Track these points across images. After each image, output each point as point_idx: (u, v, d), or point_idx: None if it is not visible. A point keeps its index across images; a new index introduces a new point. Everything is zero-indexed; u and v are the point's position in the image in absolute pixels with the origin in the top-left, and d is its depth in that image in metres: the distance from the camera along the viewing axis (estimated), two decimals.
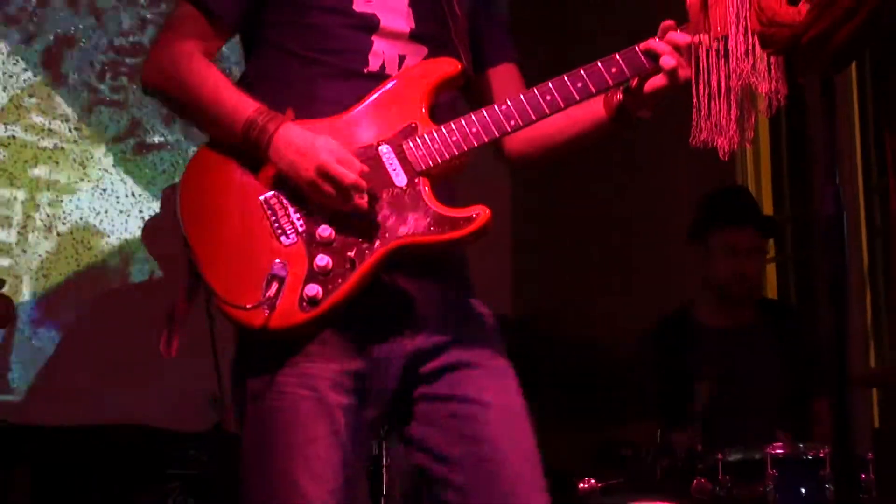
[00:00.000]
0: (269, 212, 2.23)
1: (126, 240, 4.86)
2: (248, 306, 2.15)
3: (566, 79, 2.25)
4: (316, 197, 2.19)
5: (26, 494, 3.90)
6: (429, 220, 2.22)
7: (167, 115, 4.91)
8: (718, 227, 4.27)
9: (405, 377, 2.30)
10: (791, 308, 5.18)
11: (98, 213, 4.82)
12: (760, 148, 5.89)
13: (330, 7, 2.33)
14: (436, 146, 2.25)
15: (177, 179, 4.80)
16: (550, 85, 2.25)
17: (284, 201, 2.23)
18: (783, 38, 1.89)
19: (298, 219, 2.23)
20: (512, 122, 2.26)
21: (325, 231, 2.21)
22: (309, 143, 2.18)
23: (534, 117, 2.26)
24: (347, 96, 2.31)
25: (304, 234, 2.22)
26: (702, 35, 2.08)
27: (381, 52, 2.35)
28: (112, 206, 4.84)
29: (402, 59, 2.37)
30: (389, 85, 2.32)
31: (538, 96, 2.24)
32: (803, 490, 3.48)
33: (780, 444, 3.54)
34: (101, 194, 4.84)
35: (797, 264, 5.60)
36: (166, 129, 4.97)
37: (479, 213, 2.21)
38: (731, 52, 2.01)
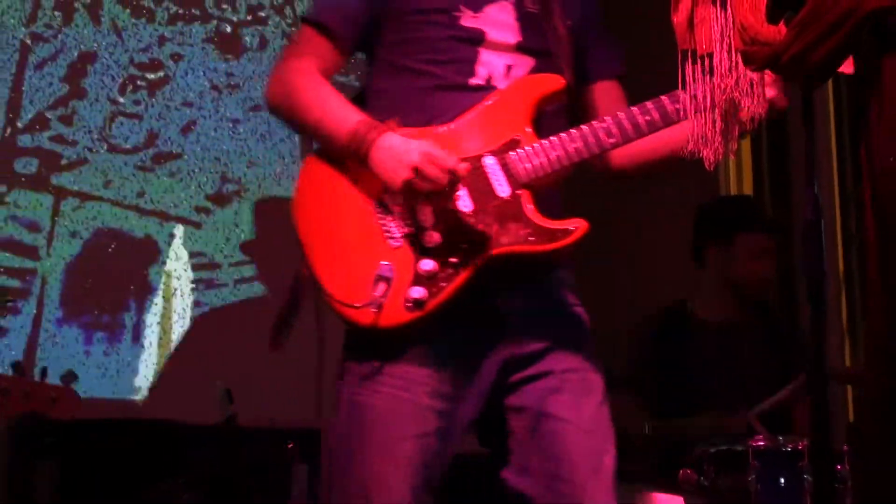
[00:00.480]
0: (378, 216, 2.25)
1: (145, 245, 4.85)
2: (357, 305, 2.17)
3: (666, 100, 2.25)
4: (412, 197, 2.20)
5: (55, 485, 3.90)
6: (529, 230, 2.22)
7: (184, 126, 4.91)
8: (746, 231, 4.27)
9: (498, 382, 2.30)
10: (775, 308, 5.18)
11: (118, 219, 4.81)
12: (742, 157, 5.90)
13: (439, 22, 2.34)
14: (538, 160, 2.25)
15: (192, 188, 4.87)
16: (650, 105, 2.26)
17: (393, 207, 2.25)
18: (764, 56, 1.88)
19: (406, 224, 2.24)
20: (612, 140, 2.26)
21: (431, 237, 2.21)
22: (404, 147, 2.18)
23: (633, 136, 2.26)
24: (454, 107, 2.32)
25: (410, 239, 2.23)
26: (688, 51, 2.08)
27: (487, 62, 2.35)
28: (131, 213, 4.83)
29: (508, 68, 2.37)
30: (495, 97, 2.32)
31: (638, 115, 2.25)
32: (783, 480, 3.48)
33: (761, 437, 3.54)
34: (121, 200, 4.83)
35: (778, 267, 5.59)
36: (183, 138, 4.96)
37: (577, 226, 2.23)
38: (715, 68, 2.01)
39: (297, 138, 4.75)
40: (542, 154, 2.26)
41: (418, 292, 2.17)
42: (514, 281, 2.29)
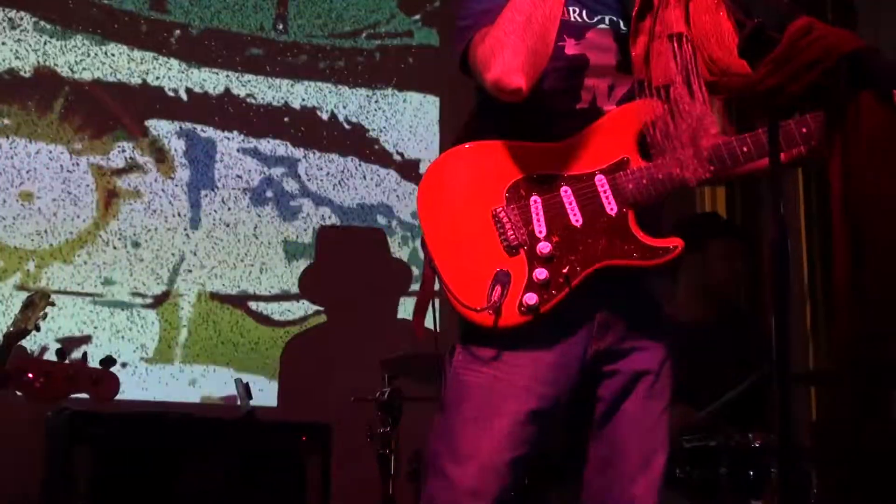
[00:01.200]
0: (497, 224, 2.23)
1: (171, 253, 4.85)
2: (478, 308, 2.17)
3: (759, 134, 2.19)
4: (526, 208, 2.23)
5: (90, 471, 3.88)
6: (633, 247, 2.21)
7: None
8: (718, 237, 4.29)
9: (588, 370, 2.30)
10: (746, 312, 5.19)
11: (148, 230, 4.81)
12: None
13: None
14: (644, 182, 2.22)
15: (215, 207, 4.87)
16: (746, 137, 2.20)
17: (513, 216, 2.23)
18: (737, 86, 1.89)
19: (522, 234, 2.22)
20: (712, 169, 2.21)
21: (545, 248, 2.20)
22: None
23: (730, 166, 2.22)
24: (564, 133, 2.30)
25: (526, 248, 2.21)
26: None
27: (591, 86, 2.31)
28: (162, 224, 4.83)
29: (611, 88, 2.34)
30: (605, 119, 2.30)
31: (736, 146, 2.20)
32: (751, 473, 3.48)
33: (733, 434, 3.54)
34: (151, 215, 4.83)
35: (747, 277, 5.59)
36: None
37: (676, 246, 2.22)
38: (675, 98, 2.00)
39: None
40: (647, 176, 2.23)
41: (532, 299, 2.17)
42: (614, 282, 2.27)
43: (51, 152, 4.70)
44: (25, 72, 4.71)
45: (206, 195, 4.94)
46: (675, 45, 2.00)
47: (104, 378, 3.12)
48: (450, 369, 2.31)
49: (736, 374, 4.04)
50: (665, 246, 2.23)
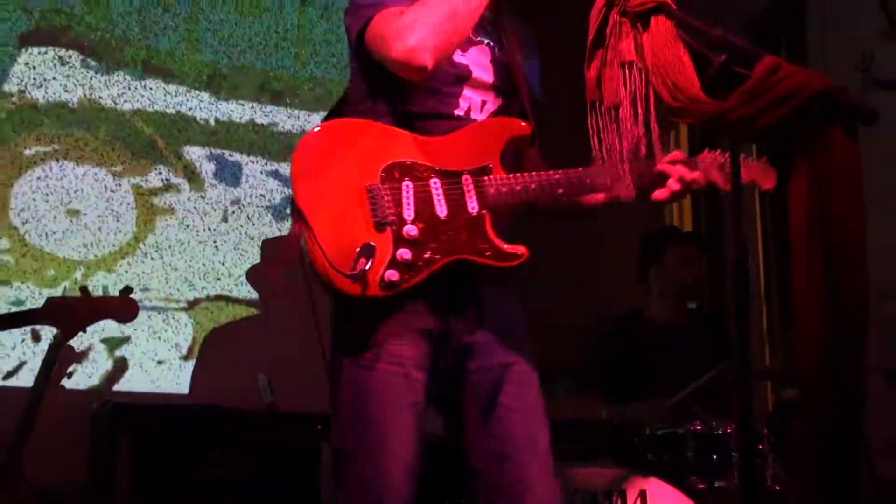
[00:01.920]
0: (370, 199, 2.14)
1: (202, 263, 4.85)
2: (347, 273, 2.05)
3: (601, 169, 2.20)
4: (399, 192, 2.15)
5: (129, 456, 3.88)
6: (487, 245, 2.16)
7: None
8: (674, 246, 4.31)
9: (459, 366, 2.24)
10: (713, 315, 5.18)
11: (181, 243, 4.81)
12: (683, 201, 5.90)
13: None
14: (504, 190, 2.19)
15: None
16: (593, 170, 2.21)
17: (385, 195, 2.14)
18: (709, 113, 1.86)
19: (392, 213, 2.13)
20: (560, 191, 2.23)
21: (411, 230, 2.12)
22: None
23: (578, 191, 2.25)
24: (438, 130, 2.24)
25: (393, 228, 2.12)
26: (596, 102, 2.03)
27: (468, 97, 2.28)
28: (194, 237, 4.83)
29: (483, 103, 2.30)
30: (475, 126, 2.26)
31: (584, 177, 2.22)
32: (714, 457, 3.47)
33: (698, 421, 3.53)
34: (184, 229, 4.84)
35: (711, 284, 5.59)
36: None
37: (522, 253, 2.18)
38: (622, 119, 1.97)
39: None
40: (507, 185, 2.19)
41: (394, 276, 2.06)
42: (482, 278, 2.23)
43: (95, 174, 4.70)
44: (73, 103, 4.71)
45: (233, 212, 4.93)
46: (626, 71, 1.96)
47: (124, 304, 3.12)
48: (342, 378, 2.19)
49: (702, 370, 4.04)
50: (514, 252, 2.18)
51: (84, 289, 3.09)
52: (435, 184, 2.18)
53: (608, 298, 5.36)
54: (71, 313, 3.05)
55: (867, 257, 1.78)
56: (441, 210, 2.17)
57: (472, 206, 2.17)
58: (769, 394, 4.90)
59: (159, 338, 4.69)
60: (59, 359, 3.30)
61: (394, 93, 2.25)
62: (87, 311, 3.06)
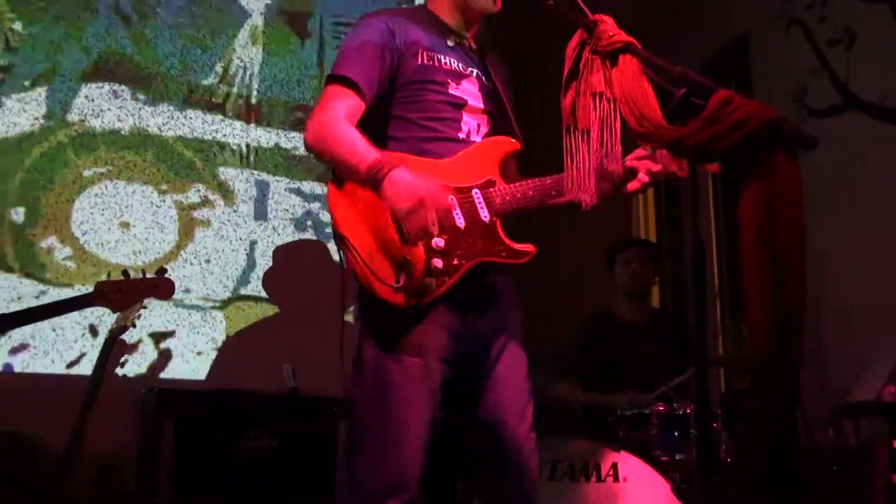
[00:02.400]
0: (395, 220, 2.10)
1: (234, 268, 4.84)
2: (395, 286, 2.06)
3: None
4: (404, 223, 2.07)
5: (173, 434, 3.88)
6: (501, 247, 2.19)
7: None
8: (621, 251, 4.31)
9: (477, 355, 2.26)
10: (674, 313, 5.19)
11: (217, 251, 4.80)
12: (649, 202, 5.90)
13: (437, 90, 2.28)
14: (508, 198, 2.22)
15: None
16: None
17: None
18: (671, 138, 1.87)
19: None
20: (553, 193, 2.24)
21: (439, 242, 2.12)
22: (415, 185, 2.05)
23: (560, 195, 2.23)
24: (447, 153, 2.26)
25: (424, 241, 2.11)
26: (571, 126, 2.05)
27: (467, 122, 2.31)
28: (227, 246, 4.83)
29: (479, 126, 2.32)
30: (476, 147, 2.29)
31: (560, 183, 2.20)
32: (676, 433, 3.47)
33: (662, 403, 3.53)
34: (219, 239, 4.83)
35: (672, 282, 5.60)
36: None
37: (531, 250, 2.21)
38: (592, 141, 1.98)
39: None
40: (510, 194, 2.22)
41: (429, 283, 2.11)
42: (494, 277, 2.27)
43: (143, 192, 4.70)
44: (125, 131, 4.71)
45: (261, 224, 4.93)
46: (596, 100, 1.97)
47: (161, 283, 3.08)
48: (366, 364, 2.18)
49: (662, 361, 4.05)
50: (525, 250, 2.22)
51: (126, 272, 3.07)
52: (452, 200, 2.18)
53: (588, 294, 5.36)
54: (118, 293, 3.03)
55: (806, 262, 1.78)
56: (460, 222, 2.18)
57: (485, 215, 2.20)
58: (721, 378, 4.90)
59: (198, 332, 4.68)
60: (114, 351, 3.28)
61: (403, 120, 2.27)
62: (131, 291, 3.05)
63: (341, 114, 2.17)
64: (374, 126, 2.28)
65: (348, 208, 2.15)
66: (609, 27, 1.98)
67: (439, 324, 2.16)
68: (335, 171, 2.21)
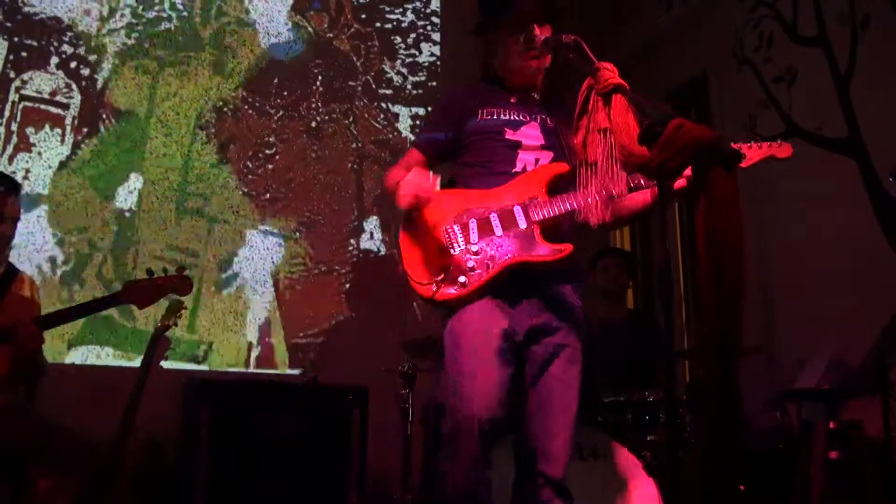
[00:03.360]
0: (446, 235, 2.32)
1: (271, 268, 4.85)
2: (423, 282, 2.28)
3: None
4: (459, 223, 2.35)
5: (209, 418, 3.90)
6: (537, 247, 2.30)
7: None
8: (600, 258, 4.31)
9: (528, 340, 2.34)
10: (645, 313, 5.19)
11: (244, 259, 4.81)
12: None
13: (494, 138, 2.44)
14: (545, 208, 2.32)
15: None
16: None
17: (456, 229, 2.33)
18: (638, 163, 1.93)
19: (463, 239, 2.31)
20: (590, 199, 2.27)
21: (474, 247, 2.30)
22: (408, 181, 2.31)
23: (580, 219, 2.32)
24: (500, 184, 2.40)
25: (464, 248, 2.30)
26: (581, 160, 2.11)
27: (523, 159, 2.43)
28: (256, 253, 4.84)
29: (537, 160, 2.44)
30: (525, 175, 2.41)
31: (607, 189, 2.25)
32: (647, 417, 3.48)
33: (635, 390, 3.54)
34: (250, 251, 4.84)
35: (644, 286, 5.62)
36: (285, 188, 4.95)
37: (566, 248, 2.31)
38: (600, 171, 2.03)
39: None
40: (548, 205, 2.32)
41: (463, 279, 2.26)
42: (542, 277, 2.35)
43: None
44: None
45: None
46: (602, 136, 2.02)
47: (180, 280, 3.08)
48: (446, 333, 2.33)
49: (635, 352, 4.05)
50: (560, 248, 2.30)
51: (150, 271, 3.07)
52: (493, 216, 2.35)
53: None
54: (143, 291, 3.03)
55: (743, 259, 1.84)
56: (497, 231, 2.33)
57: (522, 223, 2.33)
58: (686, 368, 4.92)
59: (231, 331, 4.70)
60: (158, 346, 3.31)
61: (469, 165, 2.47)
62: (154, 289, 3.05)
63: (407, 164, 2.48)
64: (457, 176, 2.51)
65: (409, 243, 2.37)
66: (605, 72, 2.03)
67: (491, 306, 2.28)
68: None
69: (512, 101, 2.51)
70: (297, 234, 4.97)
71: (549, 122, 2.48)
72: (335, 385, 4.15)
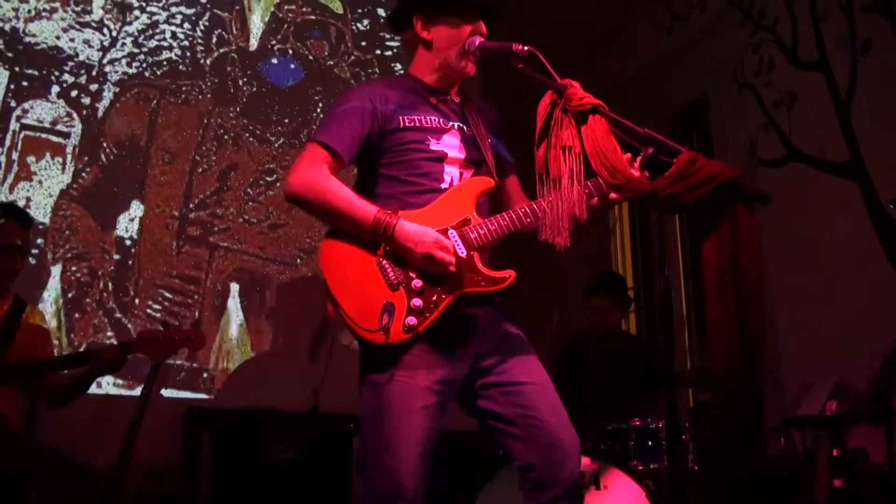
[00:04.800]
0: (381, 269, 2.12)
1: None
2: (372, 329, 2.05)
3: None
4: (424, 267, 2.09)
5: (210, 446, 3.90)
6: (480, 277, 2.13)
7: (287, 207, 4.95)
8: (592, 294, 4.28)
9: (470, 373, 2.18)
10: (645, 338, 5.20)
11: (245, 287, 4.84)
12: (626, 240, 5.94)
13: (418, 149, 2.24)
14: (482, 232, 2.16)
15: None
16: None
17: (390, 263, 2.13)
18: (643, 189, 1.88)
19: (399, 275, 2.11)
20: (527, 220, 2.17)
21: (417, 283, 2.10)
22: (420, 235, 2.10)
23: (535, 222, 2.15)
24: (429, 202, 2.22)
25: (404, 285, 2.10)
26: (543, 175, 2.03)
27: (449, 172, 2.26)
28: (256, 281, 4.86)
29: (461, 175, 2.28)
30: (452, 191, 2.24)
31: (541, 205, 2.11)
32: (650, 443, 3.48)
33: (637, 418, 3.54)
34: (250, 278, 4.86)
35: (647, 313, 5.63)
36: (287, 214, 4.98)
37: (510, 275, 2.13)
38: (563, 189, 1.97)
39: None
40: (484, 227, 2.17)
41: (412, 321, 2.06)
42: (477, 307, 2.20)
43: None
44: None
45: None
46: (565, 154, 1.97)
47: (193, 335, 3.07)
48: (365, 391, 2.14)
49: (633, 380, 4.05)
50: (503, 276, 2.14)
51: (165, 323, 3.09)
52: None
53: (571, 317, 5.39)
54: (157, 343, 3.03)
55: (765, 295, 1.82)
56: None
57: (462, 251, 2.15)
58: (690, 395, 4.91)
59: (231, 359, 4.71)
60: (158, 375, 3.32)
61: (391, 178, 2.26)
62: (168, 341, 3.04)
63: (329, 172, 2.17)
64: (366, 185, 2.29)
65: (338, 269, 2.15)
66: (577, 90, 1.98)
67: (429, 349, 2.13)
68: (329, 224, 2.23)
69: (431, 101, 2.33)
70: (299, 260, 4.99)
71: (465, 130, 2.33)
72: (336, 413, 4.14)
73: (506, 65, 2.14)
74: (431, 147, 2.26)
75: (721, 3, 4.85)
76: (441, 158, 2.26)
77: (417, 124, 2.27)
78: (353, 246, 2.16)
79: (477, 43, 2.24)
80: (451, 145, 2.29)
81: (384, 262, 2.13)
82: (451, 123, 2.32)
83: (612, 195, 2.20)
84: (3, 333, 3.00)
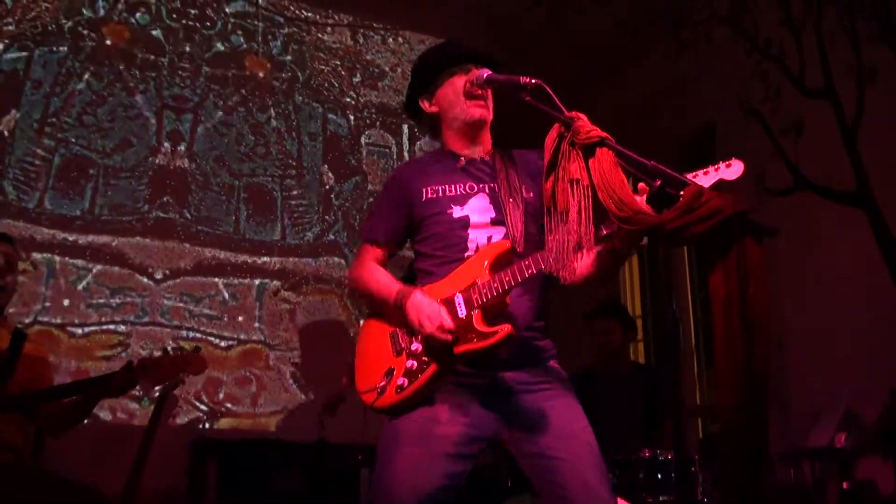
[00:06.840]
0: (391, 340, 2.22)
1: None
2: (368, 390, 2.16)
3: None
4: (430, 334, 2.10)
5: (215, 476, 3.91)
6: (473, 334, 2.11)
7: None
8: (592, 319, 4.29)
9: (502, 434, 2.17)
10: (652, 367, 5.17)
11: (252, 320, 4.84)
12: (634, 275, 5.95)
13: (440, 220, 2.28)
14: (483, 290, 2.14)
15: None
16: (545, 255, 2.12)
17: (402, 332, 2.21)
18: (650, 222, 1.88)
19: (406, 342, 2.18)
20: (529, 272, 2.12)
21: (416, 346, 2.16)
22: (425, 307, 2.15)
23: (544, 269, 2.09)
24: (449, 273, 2.25)
25: (405, 350, 2.17)
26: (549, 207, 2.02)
27: (474, 238, 2.26)
28: (265, 314, 4.87)
29: (489, 238, 2.26)
30: (467, 261, 2.24)
31: (542, 261, 2.09)
32: (659, 476, 3.46)
33: (647, 450, 3.53)
34: (259, 311, 4.88)
35: (655, 342, 5.62)
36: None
37: (501, 329, 2.08)
38: (570, 221, 1.95)
39: None
40: (486, 287, 2.15)
41: (402, 381, 2.12)
42: (516, 364, 2.20)
43: None
44: None
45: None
46: (573, 186, 1.96)
47: (194, 358, 3.08)
48: (385, 427, 2.18)
49: (637, 408, 4.04)
50: (495, 330, 2.10)
51: (165, 350, 3.11)
52: (442, 311, 2.16)
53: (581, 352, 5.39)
54: (158, 368, 3.05)
55: (772, 326, 1.84)
56: None
57: (462, 312, 2.15)
58: (699, 426, 4.90)
59: (240, 389, 4.72)
60: (166, 405, 3.34)
61: (423, 255, 2.33)
62: (169, 367, 3.06)
63: (371, 263, 2.35)
64: (415, 262, 2.37)
65: (362, 343, 2.31)
66: (585, 123, 1.98)
67: (452, 406, 2.14)
68: (370, 305, 2.38)
69: (458, 166, 2.35)
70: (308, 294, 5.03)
71: (496, 189, 2.31)
72: (344, 443, 4.15)
73: (508, 102, 2.16)
74: (454, 215, 2.27)
75: (727, 33, 4.90)
76: (465, 225, 2.27)
77: (440, 195, 2.30)
78: (380, 322, 2.29)
79: (485, 76, 2.26)
80: (476, 209, 2.28)
81: (398, 331, 2.23)
82: (478, 187, 2.31)
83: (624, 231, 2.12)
84: (3, 368, 3.02)
